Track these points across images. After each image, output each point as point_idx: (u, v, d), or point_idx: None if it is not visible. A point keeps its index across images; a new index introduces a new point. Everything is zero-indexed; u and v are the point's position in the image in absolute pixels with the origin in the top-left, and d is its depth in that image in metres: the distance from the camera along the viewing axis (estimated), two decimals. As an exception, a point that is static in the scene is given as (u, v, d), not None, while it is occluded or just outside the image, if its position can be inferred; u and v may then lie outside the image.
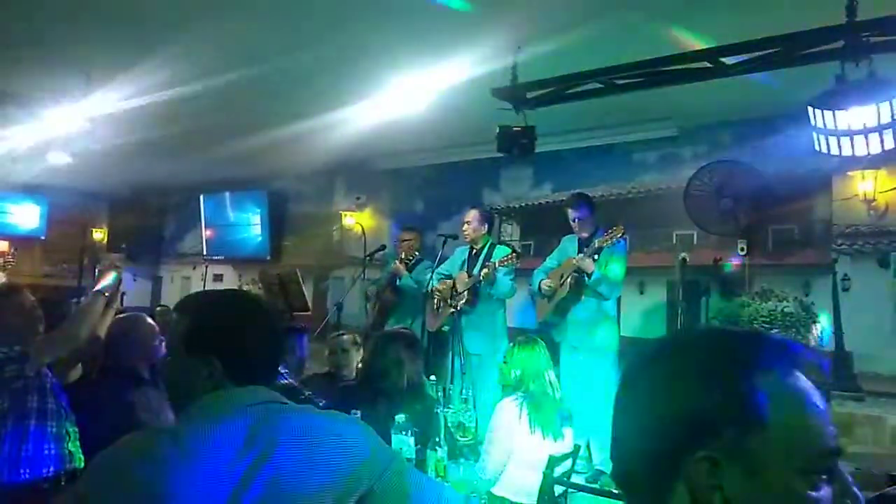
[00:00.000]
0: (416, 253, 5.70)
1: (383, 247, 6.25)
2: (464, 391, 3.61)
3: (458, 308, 4.95)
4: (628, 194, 6.32)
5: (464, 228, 5.22)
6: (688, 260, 5.40)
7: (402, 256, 5.68)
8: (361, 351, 3.84)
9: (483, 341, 5.05)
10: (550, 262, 5.12)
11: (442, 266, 5.43)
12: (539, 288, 4.95)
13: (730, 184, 5.51)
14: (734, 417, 0.73)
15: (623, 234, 4.43)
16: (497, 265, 4.85)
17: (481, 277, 4.94)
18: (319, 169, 8.48)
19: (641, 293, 6.19)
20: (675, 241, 6.11)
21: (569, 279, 4.68)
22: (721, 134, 6.11)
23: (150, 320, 2.87)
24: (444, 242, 5.24)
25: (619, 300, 4.99)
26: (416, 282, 5.67)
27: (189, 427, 1.28)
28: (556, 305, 4.78)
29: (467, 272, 5.24)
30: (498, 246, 5.43)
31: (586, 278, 4.58)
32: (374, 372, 2.95)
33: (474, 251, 5.32)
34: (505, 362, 3.51)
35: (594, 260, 4.57)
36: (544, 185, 7.14)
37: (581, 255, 4.60)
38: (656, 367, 0.81)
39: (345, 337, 4.09)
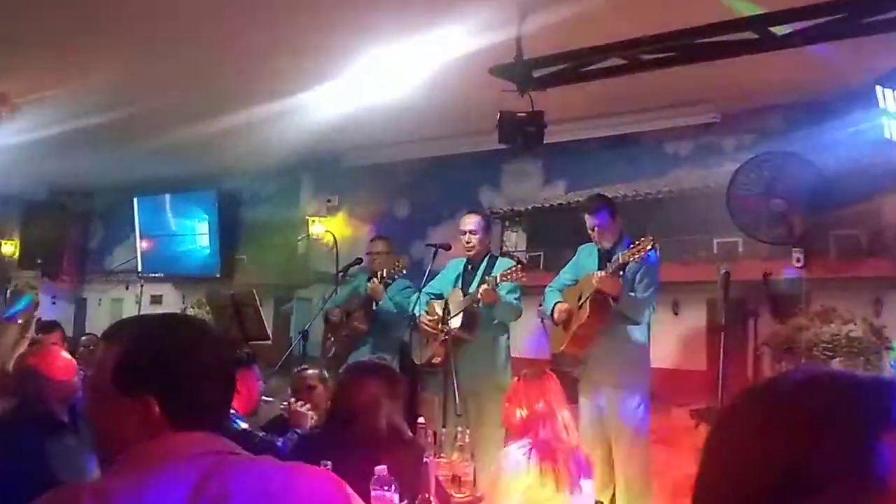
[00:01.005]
0: (402, 270, 5.73)
1: (359, 260, 6.26)
2: (459, 437, 3.62)
3: (452, 335, 4.95)
4: (658, 194, 6.35)
5: (466, 240, 5.27)
6: (731, 274, 5.43)
7: (383, 273, 5.72)
8: (328, 389, 3.92)
9: (482, 376, 5.07)
10: (565, 277, 5.15)
11: (431, 284, 5.45)
12: (552, 310, 4.98)
13: (782, 180, 5.54)
14: (846, 475, 0.76)
15: (654, 244, 4.46)
16: (499, 281, 4.89)
17: (479, 296, 4.96)
18: (281, 165, 8.49)
19: (676, 314, 6.21)
20: (715, 250, 6.13)
21: (588, 300, 4.71)
22: (771, 120, 6.14)
23: (65, 353, 2.86)
24: (435, 254, 5.26)
25: (649, 324, 5.03)
26: (397, 304, 5.69)
27: (119, 483, 1.27)
28: (573, 333, 4.80)
29: (462, 290, 5.26)
30: (500, 258, 5.46)
31: (611, 300, 4.61)
32: (345, 413, 2.95)
33: (471, 265, 5.34)
34: (509, 401, 3.52)
35: (619, 277, 4.61)
36: (556, 184, 7.16)
37: (603, 271, 4.64)
38: (759, 408, 0.85)
39: (310, 371, 4.09)
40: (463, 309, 5.11)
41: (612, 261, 4.65)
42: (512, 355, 5.36)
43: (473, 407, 5.05)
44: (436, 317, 5.21)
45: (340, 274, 6.41)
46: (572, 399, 4.46)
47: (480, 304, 5.05)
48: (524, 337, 6.28)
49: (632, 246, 4.54)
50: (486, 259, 5.34)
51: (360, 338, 5.90)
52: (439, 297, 5.44)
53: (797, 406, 0.81)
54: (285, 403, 3.93)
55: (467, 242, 5.28)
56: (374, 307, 5.82)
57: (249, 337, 6.12)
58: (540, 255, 6.95)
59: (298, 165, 8.63)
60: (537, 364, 5.18)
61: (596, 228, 4.83)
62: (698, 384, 5.84)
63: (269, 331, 6.60)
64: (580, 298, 4.84)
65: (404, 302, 5.73)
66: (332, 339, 6.09)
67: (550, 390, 3.46)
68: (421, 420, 3.75)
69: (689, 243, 6.19)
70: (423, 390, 5.30)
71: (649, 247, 4.45)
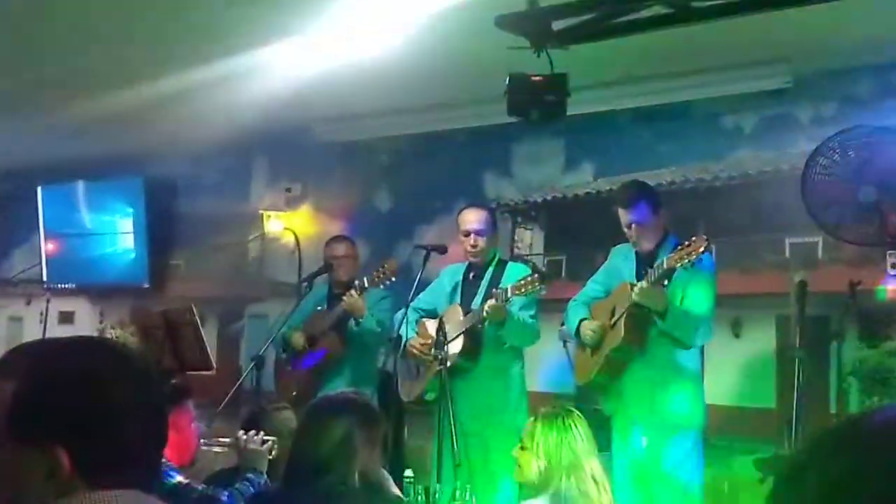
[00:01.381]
0: (391, 276, 5.75)
1: (328, 267, 6.26)
2: (459, 495, 3.62)
3: (449, 363, 4.97)
4: (714, 182, 6.36)
5: (472, 243, 5.30)
6: (809, 284, 5.43)
7: (364, 283, 5.74)
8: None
9: (489, 416, 5.10)
10: (594, 287, 5.19)
11: (421, 297, 5.46)
12: (578, 331, 5.01)
13: (874, 163, 5.52)
14: None
15: (708, 246, 4.48)
16: (510, 294, 4.90)
17: (485, 314, 4.98)
18: (227, 143, 8.47)
19: (737, 336, 6.22)
20: (788, 254, 6.14)
21: (624, 316, 4.74)
22: (857, 84, 6.12)
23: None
24: (426, 259, 5.28)
25: (702, 349, 5.04)
26: (379, 323, 5.71)
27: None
28: (605, 358, 4.82)
29: (462, 305, 5.27)
30: (511, 263, 5.50)
31: (655, 317, 4.64)
32: (308, 465, 2.95)
33: (472, 272, 5.37)
34: (523, 448, 3.53)
35: (664, 287, 4.63)
36: (582, 168, 7.17)
37: (642, 282, 4.66)
38: (839, 459, 0.85)
39: (287, 413, 4.09)
40: (464, 330, 5.13)
41: (655, 267, 4.67)
42: (527, 389, 5.39)
43: (478, 456, 5.06)
44: (429, 340, 5.22)
45: (304, 284, 6.41)
46: (603, 445, 4.47)
47: (486, 324, 5.07)
48: (542, 365, 6.29)
49: (680, 248, 4.55)
50: (493, 265, 5.36)
51: (331, 370, 5.90)
52: (431, 313, 5.45)
53: (889, 454, 0.81)
54: (224, 441, 3.92)
55: (472, 246, 5.30)
56: (353, 327, 5.82)
57: (186, 366, 6.11)
58: (561, 259, 6.95)
59: (250, 144, 8.62)
60: (559, 400, 5.19)
61: (633, 225, 4.85)
62: (765, 426, 5.84)
63: (213, 358, 6.59)
64: (613, 315, 4.86)
65: (384, 318, 5.74)
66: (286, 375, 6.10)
67: (575, 434, 3.47)
68: (408, 474, 3.75)
69: (753, 245, 6.20)
70: (411, 435, 5.32)
71: (703, 249, 4.46)
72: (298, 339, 6.07)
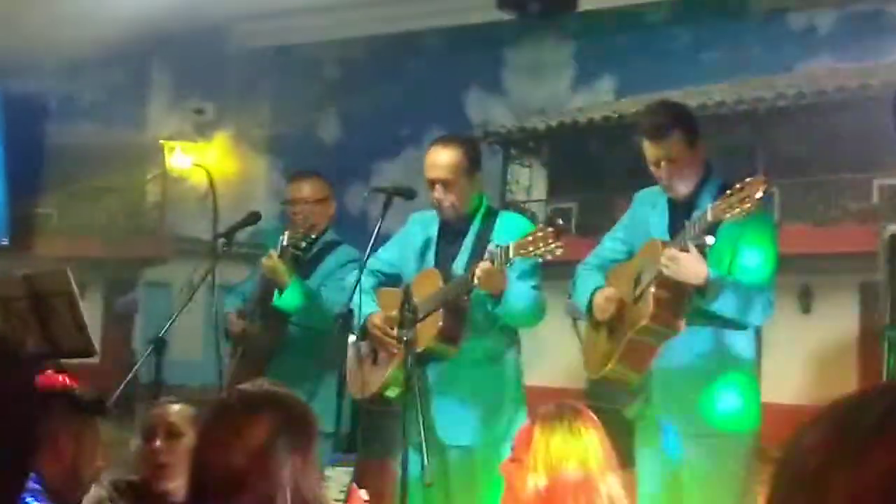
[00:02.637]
0: (322, 229, 5.81)
1: (255, 216, 6.22)
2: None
3: (420, 349, 4.98)
4: (777, 102, 6.36)
5: (434, 193, 5.23)
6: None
7: (292, 239, 5.71)
8: None
9: (474, 419, 5.11)
10: (612, 247, 5.18)
11: (381, 256, 5.49)
12: (590, 305, 5.02)
13: None
14: None
15: (767, 189, 4.42)
16: (513, 254, 4.83)
17: (476, 281, 4.94)
18: (114, 49, 8.38)
19: (806, 312, 6.25)
20: (876, 199, 6.16)
21: (653, 287, 4.72)
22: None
23: None
24: (386, 206, 5.24)
25: (758, 330, 5.06)
26: (312, 298, 5.76)
27: None
28: (627, 342, 4.81)
29: (440, 269, 5.24)
30: (504, 213, 5.48)
31: (691, 288, 4.64)
32: (216, 481, 2.94)
33: (452, 225, 5.33)
34: (516, 461, 3.54)
35: (705, 248, 4.60)
36: (598, 84, 7.17)
37: (678, 238, 4.62)
38: (856, 460, 0.97)
39: (174, 408, 4.12)
40: (442, 303, 5.10)
41: (694, 219, 4.62)
42: (525, 383, 5.35)
43: (458, 474, 5.08)
44: (391, 315, 5.20)
45: (222, 241, 6.36)
46: (624, 457, 4.48)
47: (473, 295, 5.04)
48: (544, 352, 6.29)
49: (729, 193, 4.50)
50: (481, 216, 5.31)
51: (257, 356, 5.91)
52: (394, 279, 5.46)
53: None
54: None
55: (439, 200, 5.23)
56: (273, 301, 5.80)
57: (59, 351, 6.06)
58: (570, 208, 6.96)
59: (146, 50, 8.54)
60: (566, 396, 5.18)
61: (664, 163, 4.79)
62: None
63: (96, 340, 6.56)
64: (638, 283, 4.83)
65: (340, 291, 5.73)
66: (235, 361, 6.11)
67: (586, 442, 3.47)
68: (364, 496, 3.75)
69: (830, 188, 6.22)
70: (365, 445, 5.32)
71: (760, 194, 4.41)
72: (234, 322, 6.05)
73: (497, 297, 4.90)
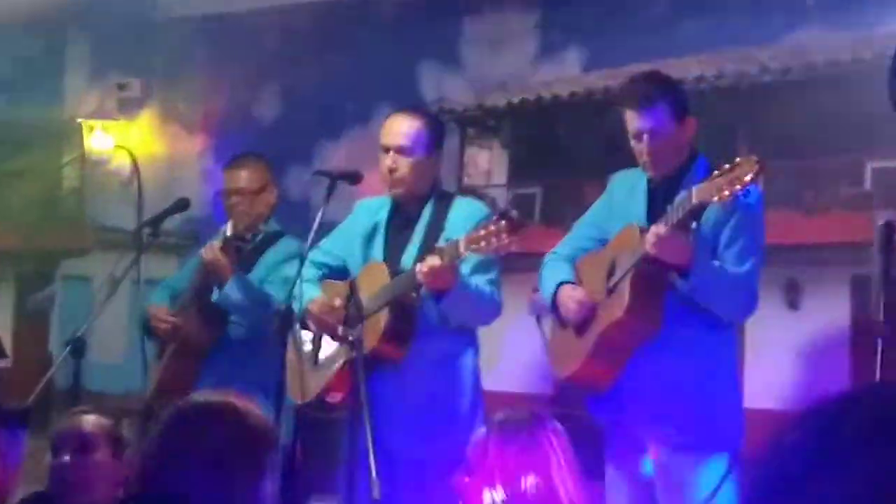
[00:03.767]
0: (264, 216, 5.81)
1: (184, 203, 6.20)
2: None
3: (366, 350, 4.95)
4: (762, 76, 6.37)
5: (390, 164, 5.22)
6: (897, 227, 5.46)
7: (236, 232, 5.73)
8: (122, 456, 3.97)
9: (427, 428, 5.13)
10: (583, 234, 5.20)
11: (324, 247, 5.48)
12: (555, 300, 5.02)
13: None
14: None
15: (760, 170, 4.41)
16: (464, 248, 4.81)
17: (421, 277, 4.92)
18: (28, 16, 8.32)
19: (792, 307, 6.26)
20: (869, 184, 6.18)
21: (629, 277, 4.72)
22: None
23: None
24: (330, 191, 5.22)
25: (741, 329, 5.05)
26: (255, 294, 5.75)
27: None
28: (598, 340, 4.83)
29: (389, 262, 5.25)
30: (459, 199, 5.48)
31: (674, 277, 4.64)
32: (164, 491, 2.92)
33: (402, 212, 5.37)
34: (470, 473, 3.54)
35: (690, 232, 4.59)
36: (565, 56, 7.15)
37: (660, 222, 4.61)
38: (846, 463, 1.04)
39: (87, 418, 4.09)
40: (389, 300, 5.08)
41: (678, 202, 4.61)
42: (484, 388, 5.38)
43: (410, 488, 5.06)
44: (334, 308, 5.17)
45: (147, 231, 6.32)
46: (593, 470, 4.48)
47: (422, 292, 5.04)
48: (506, 353, 6.29)
49: (717, 173, 4.50)
50: (433, 201, 5.30)
51: (192, 359, 5.91)
52: (340, 271, 5.47)
53: None
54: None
55: (391, 170, 5.22)
56: (212, 297, 5.80)
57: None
58: (534, 193, 6.93)
59: (62, 18, 8.48)
60: (529, 402, 5.17)
61: (647, 136, 4.79)
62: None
63: (7, 342, 6.51)
64: (611, 274, 4.83)
65: (273, 278, 5.79)
66: (162, 362, 6.07)
67: (549, 453, 3.45)
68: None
69: (819, 172, 6.22)
70: (307, 456, 5.30)
71: (752, 175, 4.41)
72: (161, 318, 6.00)
73: (441, 296, 4.92)
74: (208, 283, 5.85)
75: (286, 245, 5.94)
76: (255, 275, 5.87)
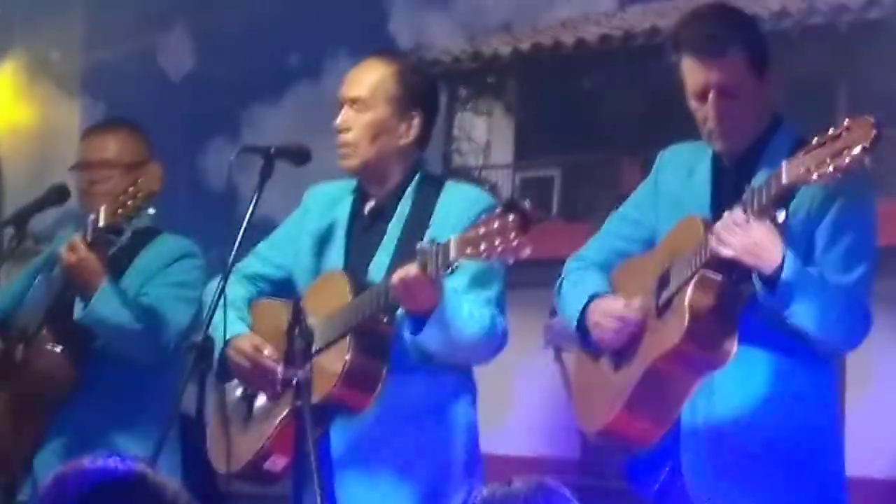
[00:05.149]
0: (141, 202, 5.68)
1: (61, 192, 6.17)
2: None
3: (319, 395, 4.93)
4: (868, 11, 6.34)
5: (342, 123, 5.20)
6: None
7: (111, 220, 5.65)
8: None
9: (402, 496, 5.10)
10: (621, 232, 5.19)
11: (261, 253, 5.52)
12: (583, 321, 4.97)
13: None
14: None
15: (875, 138, 4.33)
16: (456, 253, 4.72)
17: (401, 290, 4.84)
18: None
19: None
20: None
21: (690, 290, 4.67)
22: None
23: None
24: (265, 175, 5.22)
25: (843, 362, 4.97)
26: (136, 311, 5.73)
27: None
28: (644, 376, 4.76)
29: (349, 271, 5.24)
30: (451, 185, 5.51)
31: (755, 287, 4.57)
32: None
33: (372, 203, 5.37)
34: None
35: (778, 224, 4.52)
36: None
37: (735, 210, 4.53)
38: None
39: None
40: (350, 326, 5.03)
41: (759, 184, 4.56)
42: (484, 450, 5.34)
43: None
44: (274, 345, 5.11)
45: (10, 232, 6.31)
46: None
47: (399, 315, 4.99)
48: (514, 398, 6.24)
49: (815, 142, 4.42)
50: (414, 187, 5.27)
51: (50, 407, 5.87)
52: (280, 285, 5.45)
53: None
54: None
55: (339, 130, 5.14)
56: (81, 313, 5.78)
57: None
58: (551, 177, 6.88)
59: None
60: (545, 470, 5.08)
61: (714, 94, 4.75)
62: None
63: None
64: (663, 286, 4.80)
65: (174, 300, 5.77)
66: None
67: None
68: None
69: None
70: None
71: (861, 147, 4.31)
72: None
73: (421, 320, 4.84)
74: (66, 297, 5.82)
75: (167, 244, 6.01)
76: (127, 283, 5.87)
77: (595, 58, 6.88)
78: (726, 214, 4.51)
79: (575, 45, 6.90)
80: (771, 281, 4.49)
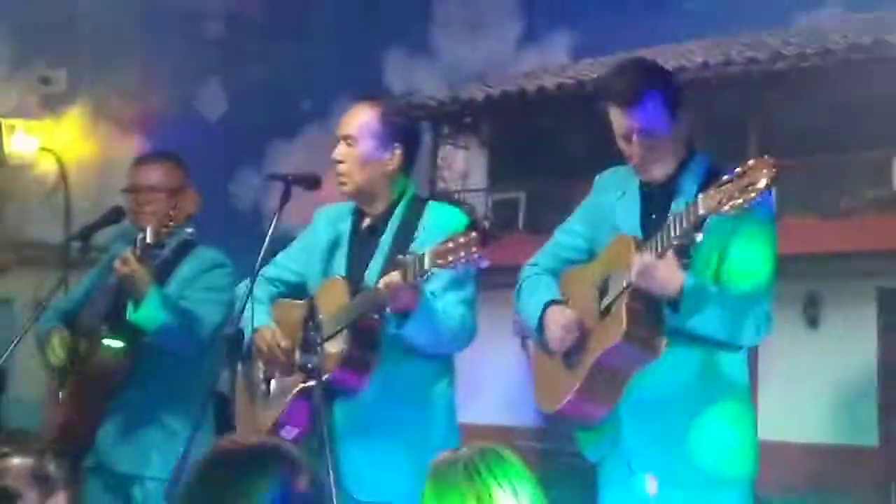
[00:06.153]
0: (182, 221, 5.83)
1: (118, 212, 6.22)
2: None
3: (325, 376, 4.97)
4: (774, 63, 6.45)
5: (338, 156, 5.27)
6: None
7: (158, 237, 5.68)
8: (53, 499, 3.95)
9: (394, 470, 5.13)
10: (569, 243, 5.22)
11: (280, 262, 5.57)
12: (541, 317, 5.03)
13: None
14: None
15: (775, 174, 4.37)
16: (429, 264, 4.80)
17: (386, 294, 4.92)
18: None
19: (812, 325, 6.32)
20: (896, 182, 6.23)
21: (625, 298, 4.71)
22: None
23: None
24: (285, 197, 5.25)
25: (754, 352, 5.03)
26: (178, 313, 5.77)
27: None
28: (590, 371, 4.81)
29: (349, 277, 5.30)
30: (432, 205, 5.48)
31: (669, 305, 4.64)
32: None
33: (367, 220, 5.41)
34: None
35: (691, 248, 4.62)
36: (551, 42, 7.21)
37: (657, 235, 4.59)
38: None
39: (9, 465, 4.10)
40: (350, 322, 5.12)
41: (678, 212, 4.56)
42: (462, 421, 5.41)
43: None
44: (291, 337, 5.22)
45: (77, 245, 6.34)
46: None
47: (387, 313, 5.05)
48: (485, 381, 6.29)
49: (725, 179, 4.46)
50: (404, 207, 5.31)
51: (108, 391, 5.91)
52: (297, 288, 5.51)
53: None
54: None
55: (337, 164, 5.23)
56: (128, 315, 5.78)
57: None
58: (517, 198, 6.97)
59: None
60: (512, 437, 5.17)
61: (636, 136, 4.78)
62: (859, 474, 5.94)
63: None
64: (604, 292, 4.83)
65: (209, 303, 5.82)
66: (63, 398, 6.07)
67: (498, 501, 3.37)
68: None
69: (839, 171, 6.29)
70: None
71: (764, 182, 4.37)
72: (56, 346, 6.00)
73: (404, 318, 4.91)
74: (120, 300, 5.85)
75: (202, 256, 6.02)
76: (169, 290, 5.87)
77: (553, 102, 6.95)
78: (637, 255, 4.57)
79: (536, 92, 6.99)
80: (673, 302, 4.56)
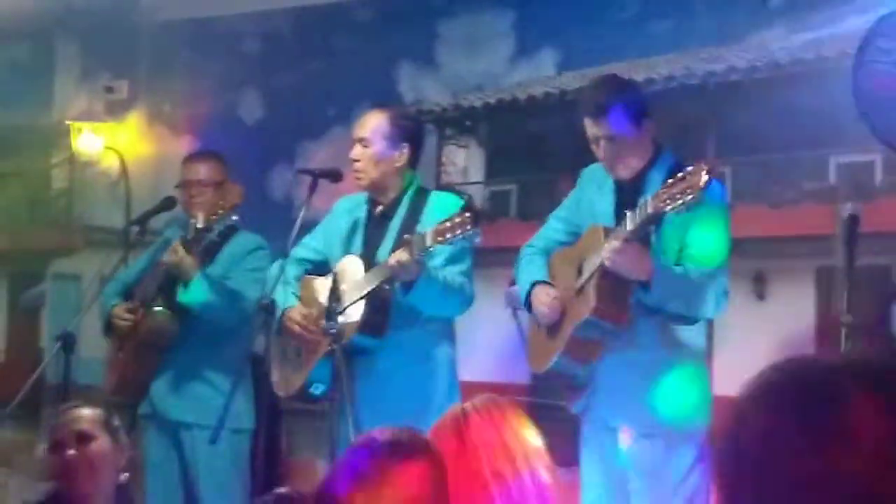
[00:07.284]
0: (228, 210, 5.78)
1: (171, 202, 6.18)
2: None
3: (345, 339, 4.98)
4: (729, 75, 6.40)
5: (354, 157, 5.28)
6: (862, 221, 5.45)
7: (206, 223, 5.72)
8: (119, 443, 3.99)
9: (404, 419, 4.99)
10: (556, 229, 5.22)
11: (306, 243, 5.54)
12: (529, 297, 5.04)
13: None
14: None
15: (710, 177, 4.33)
16: (430, 241, 4.81)
17: (393, 269, 4.92)
18: (17, 21, 8.29)
19: (760, 298, 6.29)
20: (833, 179, 6.20)
21: (595, 277, 4.71)
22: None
23: None
24: (312, 189, 5.26)
25: (710, 321, 5.04)
26: (221, 292, 5.77)
27: None
28: (569, 338, 4.84)
29: (365, 256, 5.29)
30: (434, 194, 5.52)
31: (635, 285, 4.64)
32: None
33: (380, 207, 5.40)
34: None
35: (650, 235, 4.62)
36: (540, 57, 7.17)
37: (618, 232, 4.60)
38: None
39: (84, 412, 4.12)
40: (366, 293, 5.10)
41: (638, 207, 4.59)
42: (462, 379, 5.40)
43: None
44: (316, 307, 5.20)
45: (135, 229, 6.31)
46: (568, 457, 4.47)
47: (397, 284, 5.03)
48: (483, 344, 6.27)
49: (670, 182, 4.43)
50: (410, 196, 5.32)
51: (159, 354, 5.94)
52: (322, 266, 5.50)
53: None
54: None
55: (353, 160, 5.25)
56: (177, 297, 5.81)
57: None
58: (510, 190, 6.95)
59: (51, 23, 8.45)
60: (506, 392, 5.18)
61: (604, 142, 4.80)
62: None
63: (1, 338, 6.53)
64: (581, 272, 4.83)
65: (250, 281, 5.79)
66: (122, 357, 6.05)
67: (517, 434, 3.33)
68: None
69: (784, 167, 6.25)
70: (292, 446, 5.29)
71: (703, 184, 4.34)
72: (120, 315, 5.99)
73: (410, 287, 4.95)
74: (170, 277, 5.88)
75: (244, 239, 6.01)
76: (215, 270, 5.90)
77: (541, 108, 6.90)
78: (607, 241, 4.59)
79: (527, 99, 6.94)
80: (644, 284, 4.58)
